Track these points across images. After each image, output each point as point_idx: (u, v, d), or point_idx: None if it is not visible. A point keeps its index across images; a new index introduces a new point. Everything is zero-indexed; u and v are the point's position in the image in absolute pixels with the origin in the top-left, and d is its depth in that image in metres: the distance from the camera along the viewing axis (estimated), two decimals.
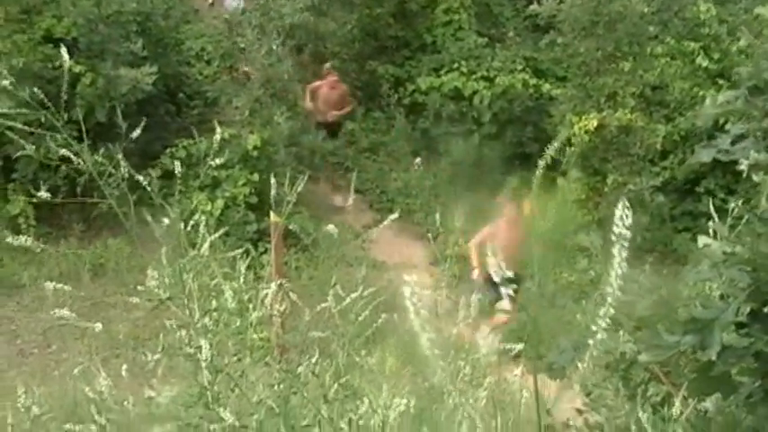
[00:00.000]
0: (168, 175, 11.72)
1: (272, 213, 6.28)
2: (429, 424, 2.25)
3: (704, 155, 2.39)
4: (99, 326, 2.56)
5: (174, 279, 2.15)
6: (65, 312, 2.48)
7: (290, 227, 4.06)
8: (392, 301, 3.35)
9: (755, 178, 2.30)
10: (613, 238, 1.56)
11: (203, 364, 2.01)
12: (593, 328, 1.62)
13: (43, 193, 2.62)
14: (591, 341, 1.65)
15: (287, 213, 2.73)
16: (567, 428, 3.46)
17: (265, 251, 10.58)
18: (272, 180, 2.77)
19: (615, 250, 1.56)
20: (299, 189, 2.91)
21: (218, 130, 2.68)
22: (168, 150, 13.44)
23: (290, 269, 12.00)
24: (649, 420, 3.04)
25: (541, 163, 1.83)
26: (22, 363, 10.45)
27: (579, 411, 3.88)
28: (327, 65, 15.51)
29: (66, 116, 2.74)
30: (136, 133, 2.57)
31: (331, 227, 2.79)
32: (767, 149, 2.27)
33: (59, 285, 2.64)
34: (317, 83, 15.29)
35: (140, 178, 2.34)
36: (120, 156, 2.32)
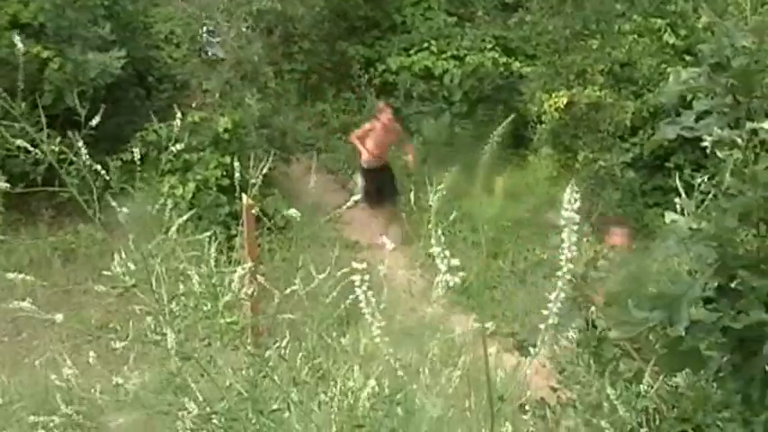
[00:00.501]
0: (141, 159, 11.68)
1: (243, 196, 6.25)
2: (402, 405, 2.26)
3: (669, 131, 2.41)
4: (60, 317, 2.54)
5: (141, 265, 2.14)
6: (25, 304, 2.46)
7: (255, 210, 4.03)
8: (368, 282, 3.35)
9: (719, 154, 2.33)
10: (562, 222, 1.56)
11: (171, 351, 2.01)
12: (545, 312, 1.62)
13: (1, 184, 2.59)
14: (542, 326, 1.66)
15: (252, 194, 2.72)
16: (541, 406, 3.49)
17: (237, 234, 10.55)
18: (236, 163, 2.76)
19: (564, 234, 1.56)
20: (270, 170, 2.90)
21: (179, 115, 2.66)
22: (138, 134, 13.34)
23: (264, 251, 11.98)
24: (620, 396, 3.08)
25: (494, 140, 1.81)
26: None
27: (553, 389, 3.91)
28: (381, 103, 14.27)
29: (31, 103, 2.71)
30: (95, 121, 2.54)
31: (293, 211, 2.78)
32: (730, 126, 2.30)
33: (21, 276, 2.62)
34: (369, 125, 13.28)
35: (98, 167, 2.32)
36: (80, 143, 2.29)
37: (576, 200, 1.54)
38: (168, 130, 2.84)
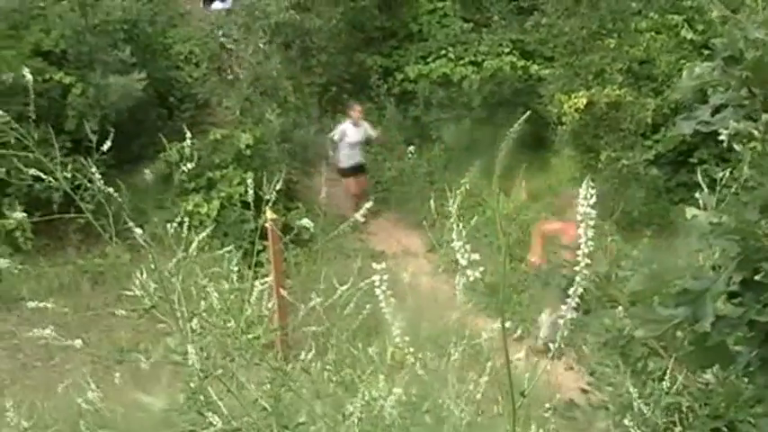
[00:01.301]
0: (163, 179, 11.76)
1: (267, 211, 6.27)
2: (430, 412, 2.27)
3: (685, 127, 2.40)
4: (79, 342, 2.56)
5: (160, 285, 2.16)
6: (46, 332, 2.49)
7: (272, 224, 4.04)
8: (393, 290, 3.36)
9: (737, 147, 2.32)
10: (578, 217, 1.56)
11: (193, 370, 2.03)
12: (563, 308, 1.63)
13: (18, 214, 2.64)
14: (561, 321, 1.66)
15: (266, 209, 2.73)
16: (570, 408, 3.48)
17: (264, 249, 10.60)
18: (249, 180, 2.77)
19: (581, 230, 1.57)
20: (293, 184, 2.92)
21: (189, 134, 2.68)
22: (161, 155, 13.46)
23: (290, 265, 12.02)
24: (651, 395, 3.07)
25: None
26: (26, 377, 10.45)
27: (584, 391, 3.90)
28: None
29: (56, 128, 2.75)
30: (106, 146, 2.57)
31: (306, 221, 2.79)
32: (746, 118, 2.29)
33: (41, 304, 2.64)
34: (552, 225, 10.50)
35: (110, 190, 2.35)
36: (93, 169, 2.32)
37: (591, 195, 1.54)
38: (190, 149, 2.86)
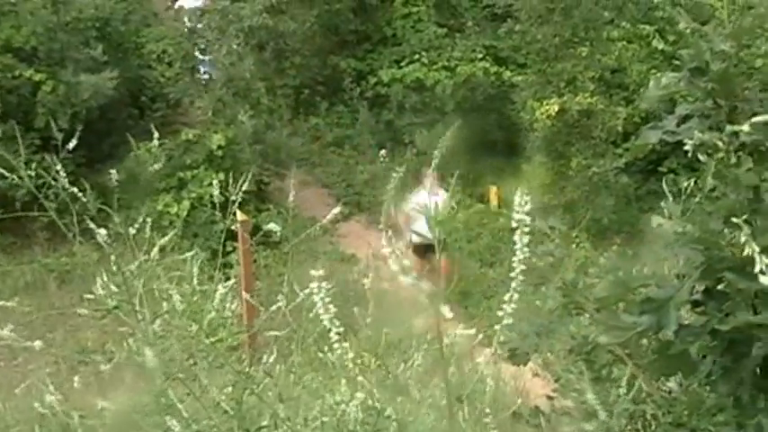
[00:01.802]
0: (133, 180, 11.67)
1: (237, 212, 6.24)
2: (393, 418, 2.26)
3: (651, 136, 2.42)
4: (39, 343, 2.54)
5: (123, 286, 2.14)
6: (4, 332, 2.46)
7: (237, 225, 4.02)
8: (362, 294, 3.37)
9: (701, 158, 2.33)
10: (513, 224, 1.57)
11: (154, 372, 2.01)
12: (500, 314, 1.64)
13: None
14: (497, 327, 1.67)
15: (232, 211, 2.71)
16: (535, 414, 3.48)
17: (233, 250, 10.55)
18: (215, 182, 2.77)
19: (516, 237, 1.58)
20: (265, 185, 2.91)
21: (156, 134, 2.67)
22: (132, 154, 13.36)
23: (260, 267, 11.98)
24: (617, 403, 3.08)
25: None
26: None
27: (549, 397, 3.90)
28: None
29: (25, 125, 2.72)
30: (72, 144, 2.55)
31: (272, 225, 2.79)
32: (711, 129, 2.30)
33: (3, 303, 2.62)
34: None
35: (74, 190, 2.33)
36: (58, 167, 2.30)
37: (526, 202, 1.56)
38: (158, 149, 2.84)
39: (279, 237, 10.99)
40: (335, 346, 1.52)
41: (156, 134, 2.79)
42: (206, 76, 15.44)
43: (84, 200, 2.29)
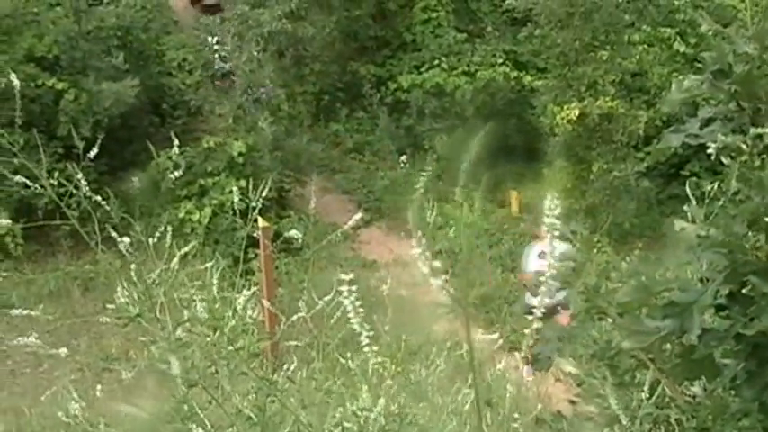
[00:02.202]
0: (154, 187, 11.73)
1: (259, 219, 6.26)
2: (415, 424, 2.26)
3: (673, 140, 2.41)
4: (64, 351, 2.55)
5: (144, 294, 2.15)
6: (30, 340, 2.48)
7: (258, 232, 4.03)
8: (381, 300, 3.37)
9: (725, 161, 2.32)
10: (544, 228, 1.57)
11: (177, 380, 2.02)
12: (530, 318, 1.64)
13: (3, 221, 2.62)
14: (527, 331, 1.66)
15: (253, 217, 2.72)
16: (557, 419, 3.47)
17: (255, 257, 10.58)
18: (234, 188, 2.77)
19: (547, 241, 1.58)
20: (286, 192, 2.91)
21: (176, 142, 2.67)
22: (153, 162, 13.44)
23: (281, 273, 12.00)
24: (643, 406, 3.06)
25: None
26: (14, 383, 10.40)
27: (572, 402, 3.89)
28: None
29: (48, 134, 2.74)
30: (93, 152, 2.57)
31: (294, 231, 2.79)
32: (735, 132, 2.29)
33: (26, 312, 2.63)
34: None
35: (98, 198, 2.34)
36: (79, 176, 2.31)
37: (556, 206, 1.55)
38: (178, 157, 2.85)
39: (300, 243, 11.03)
40: (365, 349, 1.52)
41: (177, 142, 2.80)
42: (223, 65, 15.43)
43: (108, 208, 2.31)
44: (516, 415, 2.53)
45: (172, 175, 2.62)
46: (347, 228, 2.81)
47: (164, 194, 11.94)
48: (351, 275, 1.46)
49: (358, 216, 2.79)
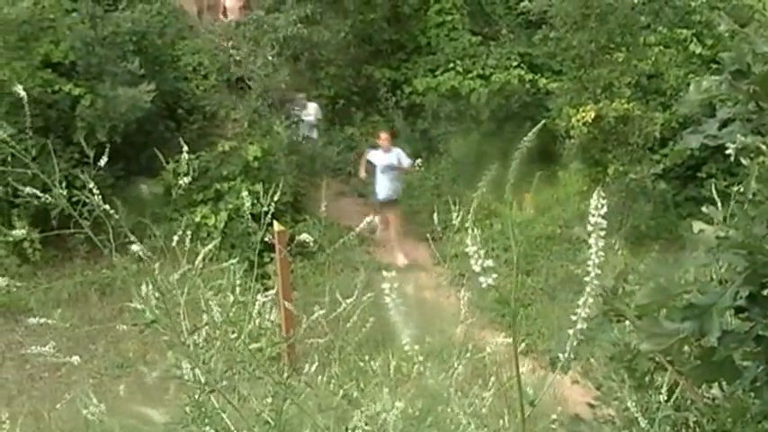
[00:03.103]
0: (169, 192, 11.78)
1: (274, 223, 6.27)
2: (434, 426, 2.25)
3: (692, 141, 2.39)
4: (77, 359, 2.56)
5: (162, 298, 2.15)
6: (44, 349, 2.49)
7: (273, 236, 4.03)
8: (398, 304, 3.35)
9: (744, 162, 2.31)
10: (589, 227, 1.56)
11: (193, 383, 2.02)
12: (573, 318, 1.62)
13: (18, 231, 2.64)
14: (571, 331, 1.65)
15: (267, 222, 2.72)
16: (576, 422, 3.45)
17: (270, 260, 10.60)
18: (244, 193, 2.77)
19: (592, 240, 1.56)
20: (301, 196, 2.91)
21: (186, 148, 2.68)
22: (169, 166, 13.47)
23: (297, 277, 12.01)
24: (662, 408, 3.05)
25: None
26: (33, 387, 10.46)
27: (591, 405, 3.87)
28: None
29: (65, 139, 2.75)
30: (103, 160, 2.57)
31: (305, 235, 2.79)
32: (754, 132, 2.28)
33: (43, 320, 2.64)
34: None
35: (107, 207, 2.34)
36: (91, 185, 2.32)
37: (602, 205, 1.54)
38: (189, 163, 2.85)
39: (314, 247, 11.04)
40: (406, 348, 1.52)
41: (186, 147, 2.80)
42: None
43: (117, 215, 2.31)
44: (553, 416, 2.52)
45: (181, 182, 2.62)
46: (359, 230, 2.80)
47: (179, 199, 11.97)
48: (394, 273, 1.46)
49: (369, 218, 2.79)
